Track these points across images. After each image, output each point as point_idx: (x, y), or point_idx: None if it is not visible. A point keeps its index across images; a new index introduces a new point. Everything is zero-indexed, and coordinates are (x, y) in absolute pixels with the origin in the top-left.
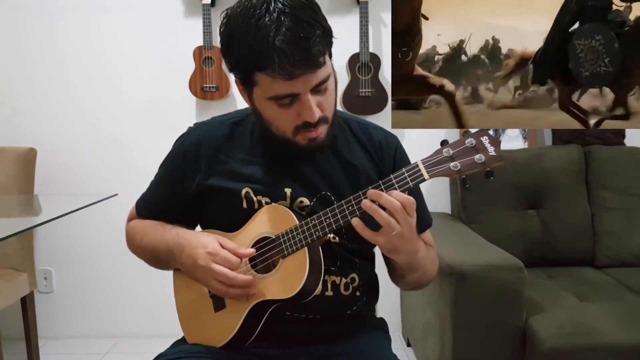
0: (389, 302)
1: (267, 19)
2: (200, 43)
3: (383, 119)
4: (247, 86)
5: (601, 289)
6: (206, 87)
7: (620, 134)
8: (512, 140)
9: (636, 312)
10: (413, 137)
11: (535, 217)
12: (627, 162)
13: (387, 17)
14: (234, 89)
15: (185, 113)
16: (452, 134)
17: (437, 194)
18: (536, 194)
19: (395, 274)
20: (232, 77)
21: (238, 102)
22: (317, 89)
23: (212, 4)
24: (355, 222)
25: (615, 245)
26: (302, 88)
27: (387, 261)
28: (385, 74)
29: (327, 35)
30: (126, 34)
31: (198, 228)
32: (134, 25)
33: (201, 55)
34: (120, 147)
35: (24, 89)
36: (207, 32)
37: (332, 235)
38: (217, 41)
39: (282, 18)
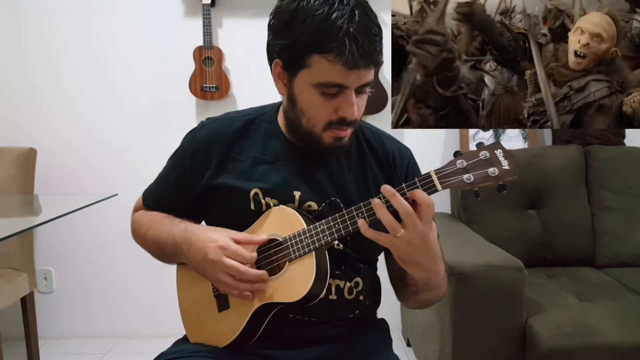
0: (389, 302)
1: (340, 7)
2: (200, 43)
3: (383, 119)
4: (292, 68)
5: (601, 289)
6: (206, 87)
7: (620, 134)
8: (512, 140)
9: (636, 312)
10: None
11: (535, 217)
12: (627, 162)
13: (387, 17)
14: (234, 89)
15: (185, 113)
16: (451, 134)
17: (437, 194)
18: (536, 194)
19: (407, 290)
20: (232, 77)
21: (238, 102)
22: (361, 89)
23: (212, 4)
24: (360, 222)
25: (615, 245)
26: (353, 82)
27: (400, 278)
28: (385, 74)
29: (382, 41)
30: (126, 34)
31: (203, 224)
32: (134, 25)
33: (201, 55)
34: (120, 147)
35: (24, 89)
36: (207, 32)
37: (336, 243)
38: (217, 41)
39: (355, 10)
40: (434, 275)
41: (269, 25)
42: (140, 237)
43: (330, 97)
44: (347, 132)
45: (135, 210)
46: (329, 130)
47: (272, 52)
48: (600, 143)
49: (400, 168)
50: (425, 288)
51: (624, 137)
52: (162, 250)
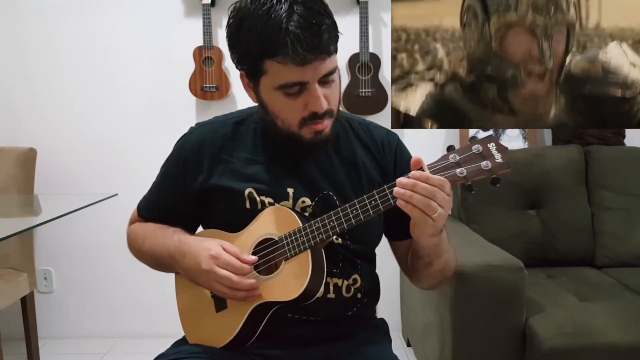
0: (389, 302)
1: (278, 7)
2: (200, 43)
3: (383, 119)
4: (254, 77)
5: (601, 289)
6: (206, 87)
7: (620, 134)
8: (512, 140)
9: (636, 312)
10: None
11: (535, 217)
12: (627, 162)
13: (387, 17)
14: (234, 89)
15: (185, 113)
16: (451, 134)
17: None
18: (536, 194)
19: (420, 263)
20: (232, 77)
21: (238, 102)
22: (325, 80)
23: (212, 4)
24: (402, 203)
25: (615, 245)
26: (311, 76)
27: (411, 256)
28: (385, 74)
29: (335, 27)
30: (126, 34)
31: (200, 228)
32: (134, 25)
33: (201, 55)
34: (120, 147)
35: (23, 89)
36: (207, 32)
37: (334, 236)
38: (217, 41)
39: (294, 7)
40: (440, 234)
41: (226, 39)
42: (137, 249)
43: (295, 96)
44: (325, 124)
45: (131, 222)
46: (305, 126)
47: (235, 65)
48: (600, 143)
49: (389, 154)
50: (437, 254)
51: (624, 137)
52: (158, 262)
